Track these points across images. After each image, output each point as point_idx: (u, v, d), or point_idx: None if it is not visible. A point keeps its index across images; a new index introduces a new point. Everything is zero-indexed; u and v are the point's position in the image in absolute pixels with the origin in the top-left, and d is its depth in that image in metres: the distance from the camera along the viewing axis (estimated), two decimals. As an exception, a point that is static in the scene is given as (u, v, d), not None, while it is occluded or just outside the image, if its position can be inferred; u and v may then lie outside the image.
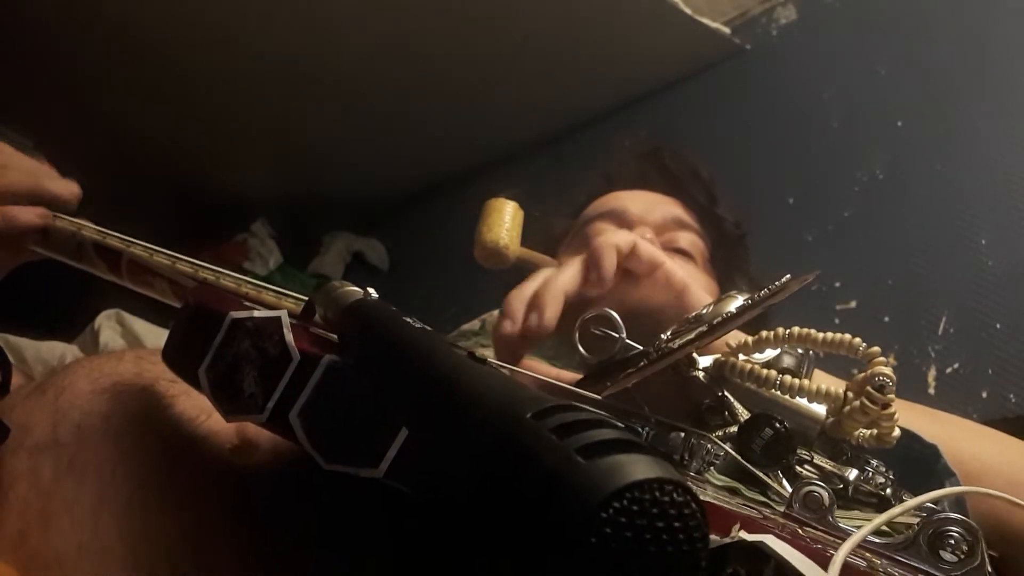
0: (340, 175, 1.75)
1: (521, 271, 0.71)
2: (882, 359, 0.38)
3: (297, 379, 0.29)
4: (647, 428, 0.40)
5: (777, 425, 0.37)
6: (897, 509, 0.30)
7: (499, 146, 1.60)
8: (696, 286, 0.54)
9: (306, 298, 0.36)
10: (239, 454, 0.36)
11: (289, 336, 0.30)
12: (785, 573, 0.24)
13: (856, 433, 0.39)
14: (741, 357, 0.42)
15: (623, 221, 0.80)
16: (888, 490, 0.37)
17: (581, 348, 0.48)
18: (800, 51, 1.27)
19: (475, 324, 0.94)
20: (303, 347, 0.30)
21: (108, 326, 1.00)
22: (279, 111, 1.52)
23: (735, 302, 0.45)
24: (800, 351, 0.43)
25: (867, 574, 0.27)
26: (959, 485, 0.41)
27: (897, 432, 0.39)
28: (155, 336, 0.97)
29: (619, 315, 0.47)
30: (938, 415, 0.54)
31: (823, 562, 0.24)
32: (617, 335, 0.47)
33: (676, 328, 0.46)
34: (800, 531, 0.29)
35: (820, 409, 0.40)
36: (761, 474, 0.36)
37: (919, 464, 0.43)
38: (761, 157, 1.23)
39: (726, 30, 1.34)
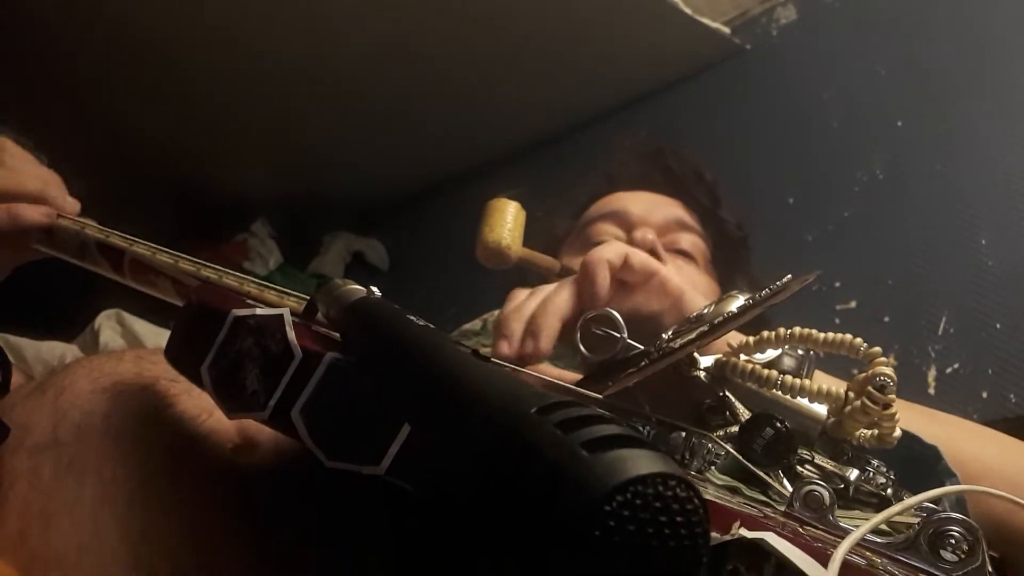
0: (340, 175, 1.75)
1: (523, 271, 0.71)
2: (883, 359, 0.38)
3: (299, 377, 0.29)
4: (648, 427, 0.40)
5: (778, 425, 0.37)
6: (897, 507, 0.30)
7: (499, 146, 1.60)
8: (693, 291, 0.54)
9: (308, 297, 0.36)
10: (240, 453, 0.36)
11: (291, 334, 0.30)
12: (785, 570, 0.24)
13: (857, 433, 0.39)
14: (742, 357, 0.42)
15: (625, 222, 0.80)
16: (889, 490, 0.37)
17: (582, 348, 0.48)
18: (800, 51, 1.28)
19: (476, 324, 0.95)
20: (305, 345, 0.30)
21: (108, 326, 1.00)
22: (279, 111, 1.52)
23: (736, 302, 0.45)
24: (801, 351, 0.43)
25: (867, 573, 0.27)
26: (960, 486, 0.41)
27: (898, 432, 0.39)
28: (155, 336, 0.97)
29: (619, 317, 0.47)
30: (938, 415, 0.54)
31: (823, 560, 0.24)
32: (618, 335, 0.47)
33: (677, 328, 0.46)
34: (800, 530, 0.29)
35: (821, 409, 0.40)
36: (762, 474, 0.36)
37: (920, 465, 0.43)
38: (761, 157, 1.23)
39: (726, 30, 1.34)
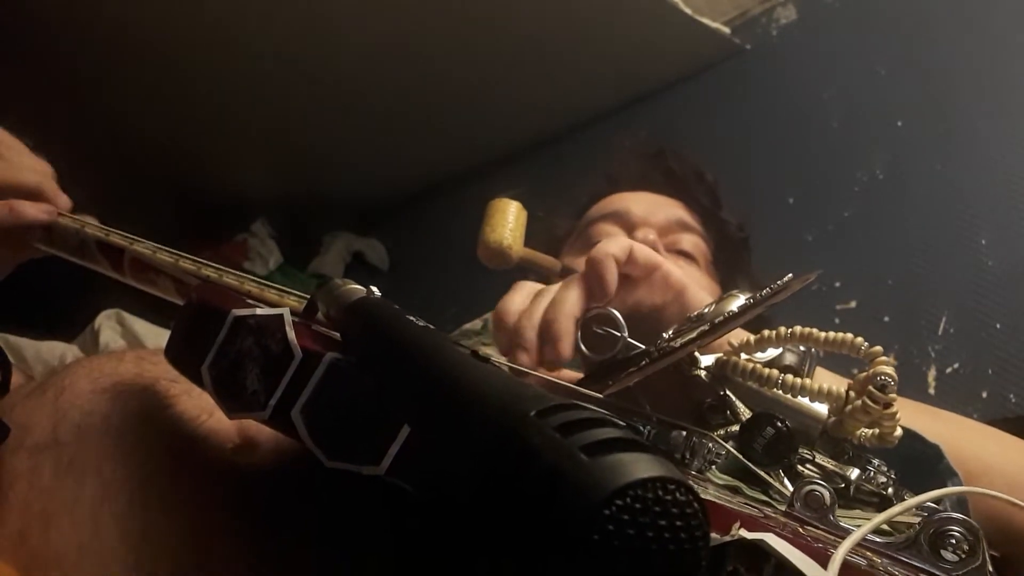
0: (340, 175, 1.75)
1: (524, 271, 0.71)
2: (884, 358, 0.38)
3: (299, 376, 0.29)
4: (649, 427, 0.40)
5: (779, 424, 0.37)
6: (897, 508, 0.30)
7: (499, 146, 1.60)
8: (695, 286, 0.54)
9: (308, 296, 0.36)
10: (240, 453, 0.36)
11: (291, 334, 0.30)
12: (785, 571, 0.24)
13: (858, 432, 0.39)
14: (743, 356, 0.42)
15: (626, 223, 0.80)
16: (890, 490, 0.37)
17: (583, 347, 0.48)
18: (800, 51, 1.28)
19: (477, 324, 0.95)
20: (305, 345, 0.30)
21: (108, 326, 1.00)
22: (279, 111, 1.52)
23: (737, 301, 0.45)
24: (802, 350, 0.43)
25: (868, 573, 0.27)
26: (961, 485, 0.41)
27: (899, 432, 0.39)
28: (155, 336, 0.97)
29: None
30: (940, 414, 0.54)
31: (824, 561, 0.24)
32: (619, 334, 0.47)
33: (678, 327, 0.46)
34: (801, 530, 0.29)
35: (822, 408, 0.40)
36: (762, 473, 0.36)
37: (921, 464, 0.43)
38: (761, 157, 1.23)
39: (726, 30, 1.34)
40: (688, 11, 1.27)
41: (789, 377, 0.40)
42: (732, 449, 0.37)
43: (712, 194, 0.89)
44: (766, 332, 0.42)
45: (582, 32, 1.30)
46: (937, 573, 0.28)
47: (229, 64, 1.38)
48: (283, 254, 1.84)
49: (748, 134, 1.27)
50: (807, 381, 0.40)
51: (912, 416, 0.42)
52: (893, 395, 0.37)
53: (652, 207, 0.82)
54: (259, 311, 0.31)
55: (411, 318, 0.29)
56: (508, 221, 0.67)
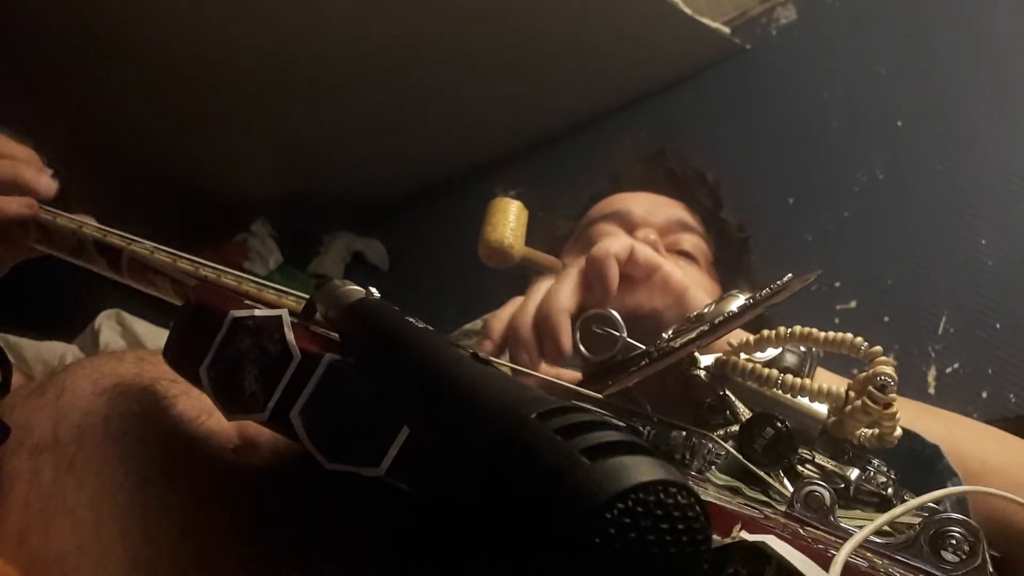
0: (340, 175, 1.75)
1: (524, 271, 0.71)
2: (884, 358, 0.38)
3: (298, 378, 0.29)
4: (648, 427, 0.40)
5: (778, 424, 0.37)
6: (898, 509, 0.30)
7: (499, 146, 1.60)
8: (695, 287, 0.53)
9: (307, 297, 0.36)
10: (240, 454, 0.36)
11: (290, 335, 0.30)
12: (786, 574, 0.24)
13: (858, 432, 0.39)
14: (743, 356, 0.42)
15: (627, 223, 0.79)
16: (890, 490, 0.37)
17: (582, 347, 0.48)
18: (800, 51, 1.27)
19: (477, 324, 0.94)
20: (304, 346, 0.30)
21: (108, 326, 1.00)
22: (279, 111, 1.52)
23: (737, 301, 0.45)
24: (802, 350, 0.43)
25: (868, 574, 0.27)
26: (961, 485, 0.41)
27: (899, 432, 0.39)
28: (155, 336, 0.97)
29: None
30: (940, 413, 0.54)
31: (824, 562, 0.24)
32: (618, 334, 0.47)
33: (678, 327, 0.46)
34: (801, 531, 0.29)
35: (822, 408, 0.40)
36: (762, 473, 0.36)
37: (921, 464, 0.43)
38: (761, 157, 1.23)
39: (726, 30, 1.34)
40: (688, 11, 1.27)
41: (789, 377, 0.40)
42: (732, 449, 0.37)
43: (713, 194, 0.89)
44: (766, 332, 0.42)
45: (582, 32, 1.30)
46: (937, 574, 0.28)
47: (229, 64, 1.38)
48: (283, 254, 1.83)
49: (748, 134, 1.27)
50: (807, 381, 0.40)
51: (912, 416, 0.42)
52: (893, 395, 0.37)
53: (653, 207, 0.82)
54: (257, 312, 0.31)
55: (410, 319, 0.29)
56: (509, 220, 0.67)
